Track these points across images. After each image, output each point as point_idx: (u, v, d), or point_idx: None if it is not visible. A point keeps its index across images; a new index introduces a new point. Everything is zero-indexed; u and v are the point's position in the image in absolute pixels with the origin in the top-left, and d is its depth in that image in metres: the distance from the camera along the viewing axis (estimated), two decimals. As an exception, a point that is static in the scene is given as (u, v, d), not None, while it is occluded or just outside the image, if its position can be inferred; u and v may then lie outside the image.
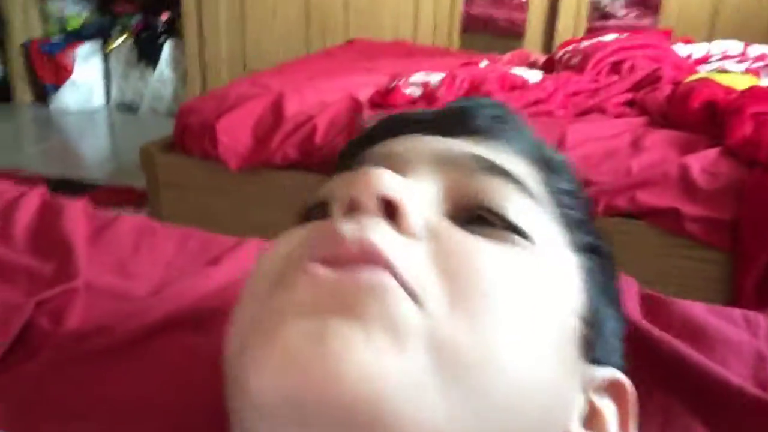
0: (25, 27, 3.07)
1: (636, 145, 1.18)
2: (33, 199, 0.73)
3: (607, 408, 0.34)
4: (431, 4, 2.60)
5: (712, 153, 1.12)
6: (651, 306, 0.57)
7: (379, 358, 0.26)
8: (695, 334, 0.53)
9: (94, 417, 0.43)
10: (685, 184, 1.08)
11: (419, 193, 0.32)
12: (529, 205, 0.34)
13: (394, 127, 0.39)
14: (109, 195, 2.07)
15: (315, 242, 0.30)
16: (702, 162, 1.10)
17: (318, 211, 0.35)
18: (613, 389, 0.35)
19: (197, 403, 0.42)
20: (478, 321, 0.28)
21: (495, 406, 0.28)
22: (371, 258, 0.28)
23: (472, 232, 0.31)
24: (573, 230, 0.36)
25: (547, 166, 0.38)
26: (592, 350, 0.34)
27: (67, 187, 2.06)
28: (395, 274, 0.28)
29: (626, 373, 0.36)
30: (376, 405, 0.26)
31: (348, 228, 0.29)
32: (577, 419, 0.33)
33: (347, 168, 0.36)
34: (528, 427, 0.30)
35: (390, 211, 0.30)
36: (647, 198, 1.09)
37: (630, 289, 0.57)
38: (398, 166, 0.34)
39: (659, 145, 1.18)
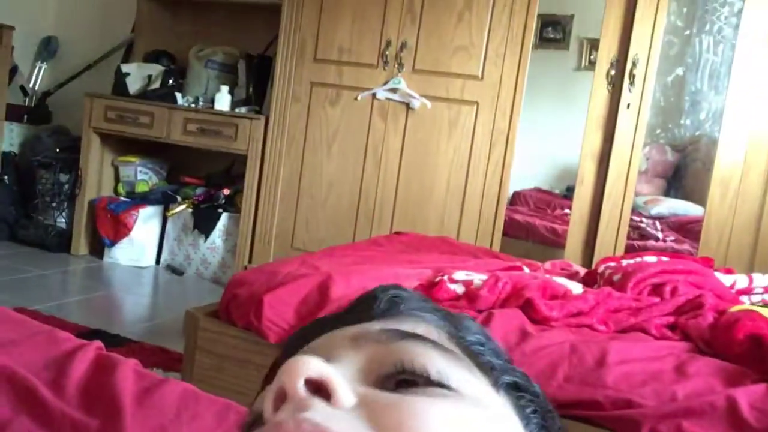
0: (98, 186, 3.32)
1: (680, 371, 1.17)
2: (89, 353, 0.76)
3: None
4: (477, 206, 2.73)
5: (760, 389, 1.10)
6: None
7: None
8: None
9: None
10: (734, 418, 1.05)
11: (343, 370, 0.34)
12: (444, 358, 0.35)
13: (311, 331, 0.42)
14: (141, 353, 2.07)
15: None
16: (750, 397, 1.07)
17: (257, 423, 0.36)
18: None
19: None
20: None
21: None
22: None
23: (400, 393, 0.33)
24: (490, 373, 0.37)
25: (452, 325, 0.41)
26: None
27: (101, 339, 2.09)
28: None
29: None
30: None
31: (283, 414, 0.31)
32: None
33: (272, 379, 0.38)
34: None
35: (320, 391, 0.32)
36: (695, 429, 1.05)
37: None
38: (320, 356, 0.36)
39: (704, 373, 1.16)
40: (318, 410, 0.30)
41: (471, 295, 1.50)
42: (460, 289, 1.54)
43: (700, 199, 2.74)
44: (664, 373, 1.17)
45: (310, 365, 0.32)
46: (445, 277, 1.57)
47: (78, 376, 0.70)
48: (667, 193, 3.08)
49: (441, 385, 0.34)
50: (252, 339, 1.43)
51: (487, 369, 0.38)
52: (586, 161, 2.64)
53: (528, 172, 3.14)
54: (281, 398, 0.32)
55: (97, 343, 0.79)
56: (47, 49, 3.76)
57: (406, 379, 0.34)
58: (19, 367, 0.69)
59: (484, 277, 1.57)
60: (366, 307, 0.42)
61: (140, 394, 0.70)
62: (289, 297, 1.43)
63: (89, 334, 2.17)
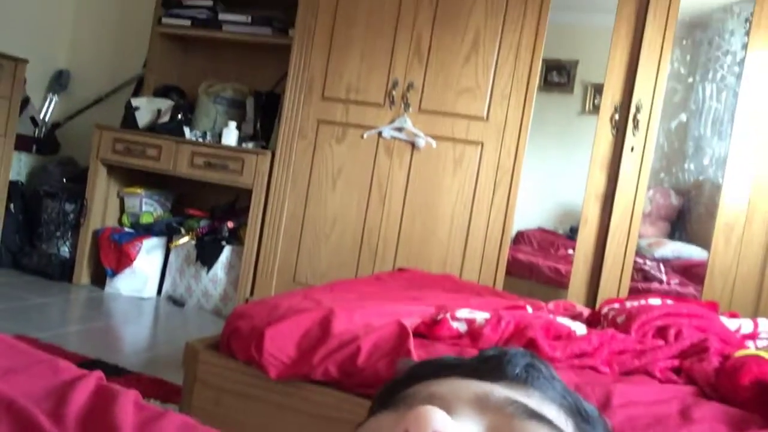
0: (103, 216, 3.34)
1: (685, 415, 1.15)
2: (89, 383, 0.75)
3: None
4: (480, 245, 2.73)
5: (765, 435, 1.08)
6: None
7: None
8: None
9: None
10: (740, 465, 1.03)
11: None
12: None
13: (433, 370, 0.42)
14: (140, 384, 2.05)
15: None
16: (756, 444, 1.06)
17: None
18: None
19: None
20: None
21: None
22: None
23: None
24: None
25: (579, 415, 0.39)
26: None
27: (100, 369, 2.07)
28: None
29: None
30: None
31: None
32: None
33: (389, 406, 0.38)
34: None
35: None
36: (699, 474, 1.04)
37: None
38: (442, 406, 0.35)
39: (709, 418, 1.15)
40: None
41: (474, 333, 1.49)
42: (462, 327, 1.53)
43: (704, 242, 2.74)
44: (669, 417, 1.15)
45: (438, 420, 0.32)
46: (448, 315, 1.56)
47: (78, 407, 0.69)
48: (671, 236, 3.08)
49: None
50: (252, 373, 1.42)
51: None
52: (590, 202, 2.65)
53: (532, 212, 3.14)
54: None
55: (98, 374, 0.78)
56: (59, 81, 3.82)
57: None
58: (18, 395, 0.68)
59: (486, 315, 1.56)
60: (496, 365, 0.41)
61: (140, 426, 0.69)
62: (290, 331, 1.42)
63: (88, 364, 2.15)
